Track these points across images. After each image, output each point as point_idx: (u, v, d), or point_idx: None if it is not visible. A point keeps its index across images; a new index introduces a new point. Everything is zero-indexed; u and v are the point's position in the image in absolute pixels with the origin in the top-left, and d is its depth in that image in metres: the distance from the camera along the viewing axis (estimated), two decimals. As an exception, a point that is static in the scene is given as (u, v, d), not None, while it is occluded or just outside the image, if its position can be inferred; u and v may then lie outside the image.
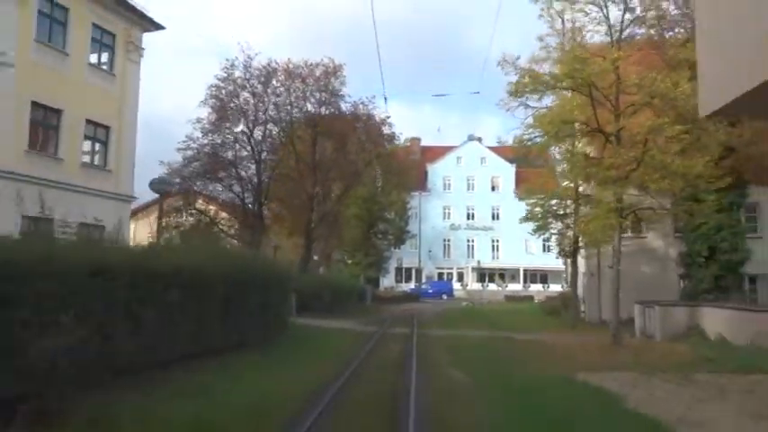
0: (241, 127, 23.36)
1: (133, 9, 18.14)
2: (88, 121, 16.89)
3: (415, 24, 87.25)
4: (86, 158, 17.37)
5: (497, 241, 51.47)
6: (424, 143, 57.89)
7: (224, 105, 23.31)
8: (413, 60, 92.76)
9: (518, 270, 50.23)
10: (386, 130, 27.01)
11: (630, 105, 12.84)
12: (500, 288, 47.58)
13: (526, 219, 19.70)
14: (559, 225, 19.21)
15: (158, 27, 19.58)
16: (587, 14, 13.39)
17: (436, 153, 55.65)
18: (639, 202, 14.78)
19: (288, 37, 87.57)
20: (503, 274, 51.45)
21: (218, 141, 23.45)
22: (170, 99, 76.52)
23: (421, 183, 51.45)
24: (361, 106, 25.84)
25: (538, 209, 19.16)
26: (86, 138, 17.22)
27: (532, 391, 7.71)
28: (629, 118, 13.07)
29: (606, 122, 13.30)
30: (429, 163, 54.14)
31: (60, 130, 16.07)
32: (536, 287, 47.78)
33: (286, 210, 26.28)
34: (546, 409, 6.67)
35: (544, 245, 38.10)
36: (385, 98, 39.85)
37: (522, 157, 18.38)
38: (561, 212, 18.69)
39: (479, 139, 54.88)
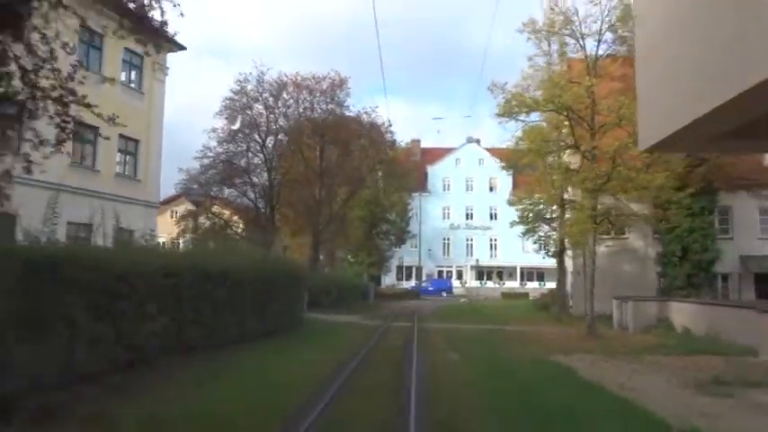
0: (254, 137, 25.42)
1: (162, 35, 20.19)
2: (121, 136, 18.97)
3: (416, 20, 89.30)
4: (119, 169, 19.47)
5: (495, 240, 53.50)
6: (424, 144, 59.94)
7: (238, 116, 25.39)
8: (413, 57, 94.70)
9: (515, 268, 52.30)
10: (388, 137, 29.09)
11: (603, 126, 14.91)
12: (497, 285, 49.68)
13: (516, 222, 21.81)
14: (546, 228, 21.27)
15: (181, 48, 21.62)
16: (566, 45, 15.44)
17: (436, 155, 57.66)
18: (618, 207, 16.89)
19: (289, 36, 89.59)
20: (500, 272, 53.59)
21: (234, 150, 25.51)
22: (171, 101, 78.49)
23: (421, 184, 53.43)
24: (364, 115, 27.95)
25: (527, 213, 21.26)
26: (119, 151, 19.35)
27: (510, 365, 9.82)
28: (603, 137, 15.14)
29: (583, 140, 15.37)
30: (429, 164, 56.15)
31: (97, 145, 18.15)
32: (532, 284, 49.84)
33: (295, 213, 28.37)
34: (516, 375, 8.77)
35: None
36: (385, 94, 41.84)
37: (511, 166, 20.40)
38: (548, 216, 20.76)
39: (478, 141, 56.89)
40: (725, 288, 22.29)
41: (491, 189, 54.75)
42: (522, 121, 16.47)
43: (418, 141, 59.96)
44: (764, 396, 7.40)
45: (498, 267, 53.38)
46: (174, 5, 7.14)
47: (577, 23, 15.07)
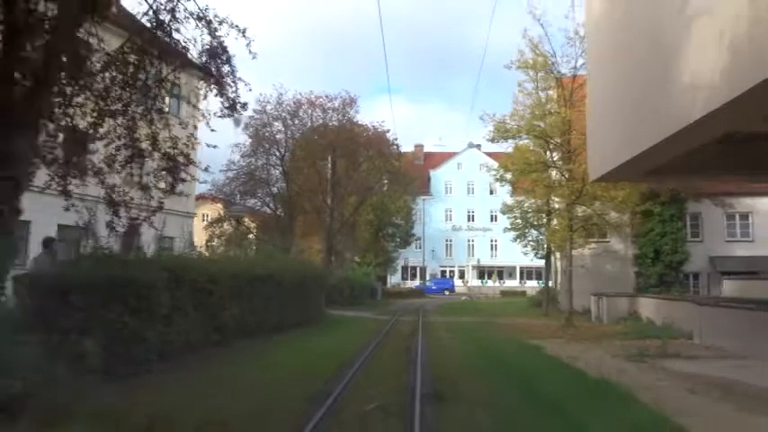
0: (274, 151, 28.61)
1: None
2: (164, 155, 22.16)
3: (419, 18, 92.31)
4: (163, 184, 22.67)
5: (495, 241, 56.46)
6: (426, 149, 63.14)
7: (259, 133, 28.56)
8: (415, 54, 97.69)
9: (515, 268, 55.30)
10: (394, 149, 32.22)
11: (575, 149, 17.97)
12: (497, 284, 52.76)
13: (509, 229, 24.94)
14: (535, 233, 24.34)
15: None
16: (546, 81, 18.52)
17: (438, 159, 60.76)
18: (591, 217, 19.95)
19: (296, 37, 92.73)
20: (501, 272, 56.63)
21: (255, 164, 28.70)
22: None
23: (424, 187, 56.55)
24: (372, 129, 31.12)
25: (518, 221, 24.35)
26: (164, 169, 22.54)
27: (492, 344, 12.91)
28: (577, 158, 18.18)
29: (561, 161, 18.43)
30: (432, 169, 59.24)
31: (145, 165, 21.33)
32: (531, 283, 52.82)
33: (309, 219, 31.54)
34: (495, 350, 11.86)
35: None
36: (389, 94, 45.08)
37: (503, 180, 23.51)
38: (536, 223, 23.84)
39: (478, 146, 59.82)
40: (696, 286, 25.31)
41: (491, 192, 57.55)
42: (513, 139, 19.58)
43: (421, 146, 63.31)
44: (667, 363, 10.45)
45: (498, 267, 56.42)
46: (248, 87, 10.18)
47: (554, 63, 18.14)
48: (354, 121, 30.47)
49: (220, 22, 9.06)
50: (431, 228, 56.71)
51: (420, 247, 55.58)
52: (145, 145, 9.41)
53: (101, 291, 7.24)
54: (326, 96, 29.55)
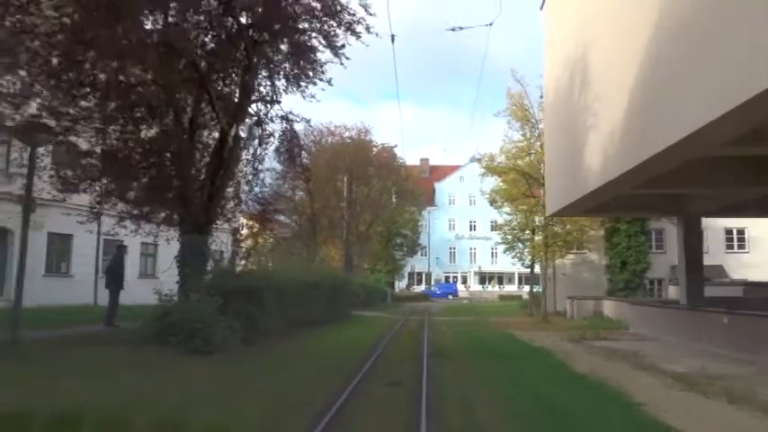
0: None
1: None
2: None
3: (422, 22, 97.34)
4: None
5: (496, 249, 61.44)
6: (432, 161, 68.43)
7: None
8: (422, 59, 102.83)
9: (513, 274, 60.30)
10: (403, 172, 37.50)
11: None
12: (495, 289, 57.87)
13: (499, 243, 30.11)
14: (521, 246, 29.47)
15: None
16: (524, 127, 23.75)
17: (442, 172, 66.00)
18: (559, 234, 25.10)
19: None
20: (501, 277, 61.66)
21: (284, 185, 33.93)
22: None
23: (429, 199, 61.74)
24: (380, 147, 36.43)
25: (507, 236, 29.51)
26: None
27: (479, 333, 18.04)
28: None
29: (537, 192, 23.58)
30: (436, 181, 64.45)
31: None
32: (528, 288, 57.77)
33: (328, 232, 36.79)
34: (480, 337, 16.99)
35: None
36: (398, 100, 50.48)
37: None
38: (522, 239, 28.96)
39: (479, 160, 64.98)
40: (659, 290, 30.35)
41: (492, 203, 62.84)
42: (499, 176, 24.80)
43: (427, 160, 68.63)
44: (594, 342, 15.52)
45: (498, 273, 61.44)
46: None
47: (531, 114, 23.34)
48: (367, 140, 35.79)
49: (295, 118, 14.43)
50: (435, 236, 61.86)
51: (426, 255, 60.74)
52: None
53: (238, 294, 12.43)
54: (344, 126, 34.85)
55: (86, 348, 9.66)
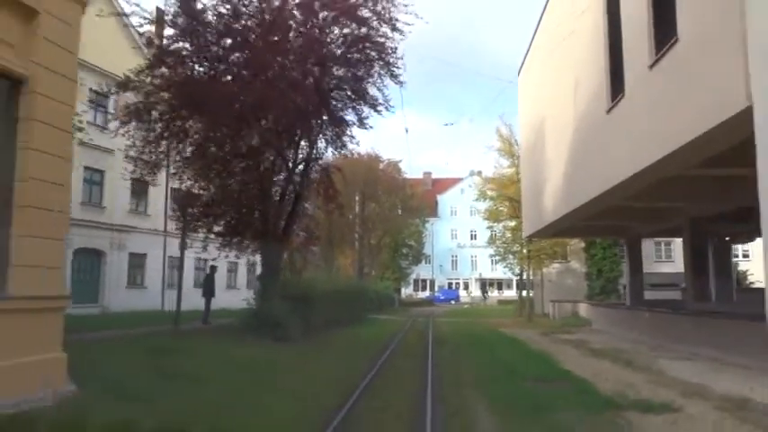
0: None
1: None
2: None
3: (426, 28, 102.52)
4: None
5: (496, 257, 66.78)
6: (434, 176, 73.84)
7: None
8: (426, 64, 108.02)
9: (512, 280, 65.37)
10: (408, 191, 42.85)
11: (531, 206, 28.37)
12: (491, 295, 63.15)
13: (492, 255, 35.36)
14: (512, 257, 34.70)
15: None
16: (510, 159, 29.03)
17: (445, 185, 71.33)
18: (544, 248, 30.34)
19: None
20: (500, 283, 66.81)
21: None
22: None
23: (432, 210, 67.03)
24: (390, 168, 41.79)
25: (499, 249, 34.76)
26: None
27: (473, 330, 23.30)
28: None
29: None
30: (439, 194, 69.77)
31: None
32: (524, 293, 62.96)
33: (342, 245, 42.11)
34: (473, 332, 22.25)
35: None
36: (402, 107, 56.06)
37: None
38: (513, 250, 34.20)
39: (479, 173, 70.35)
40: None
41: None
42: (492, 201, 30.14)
43: (430, 173, 74.04)
44: (559, 335, 20.70)
45: (498, 279, 66.59)
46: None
47: (517, 149, 28.61)
48: (375, 157, 41.15)
49: (333, 170, 19.74)
50: (439, 246, 67.12)
51: (429, 263, 65.98)
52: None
53: (297, 299, 17.67)
54: (358, 154, 40.17)
55: (212, 336, 14.93)
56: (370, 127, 18.66)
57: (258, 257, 19.26)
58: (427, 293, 64.66)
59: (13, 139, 6.52)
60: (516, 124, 29.02)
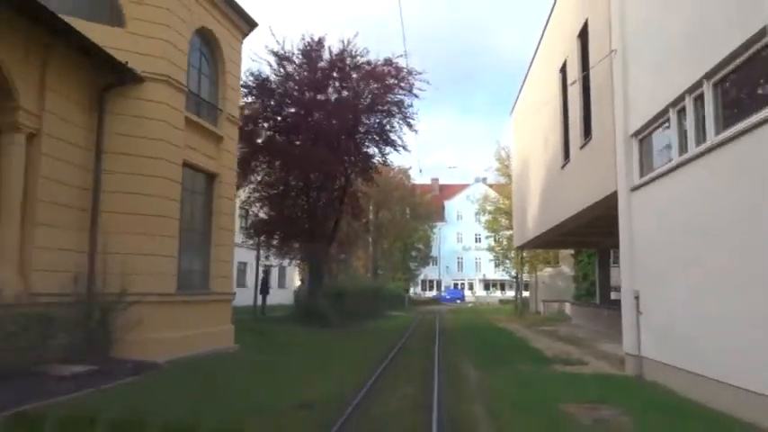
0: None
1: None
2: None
3: (435, 27, 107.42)
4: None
5: (499, 259, 72.30)
6: (442, 181, 79.36)
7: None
8: (433, 64, 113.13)
9: (513, 281, 70.96)
10: (418, 196, 48.42)
11: (523, 219, 33.89)
12: (497, 294, 68.62)
13: (491, 260, 40.87)
14: (507, 262, 40.22)
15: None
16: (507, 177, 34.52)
17: (451, 191, 76.81)
18: (538, 254, 35.81)
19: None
20: (503, 284, 72.25)
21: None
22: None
23: (440, 215, 72.52)
24: (400, 174, 47.38)
25: (498, 255, 40.27)
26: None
27: (473, 323, 28.89)
28: (525, 223, 34.10)
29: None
30: (446, 200, 75.26)
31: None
32: (526, 293, 68.46)
33: (360, 249, 47.73)
34: (473, 325, 27.83)
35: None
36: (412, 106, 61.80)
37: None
38: (510, 256, 39.68)
39: (484, 180, 75.79)
40: (615, 295, 40.91)
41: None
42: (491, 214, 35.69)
43: (437, 179, 79.55)
44: (540, 327, 26.21)
45: (501, 280, 72.04)
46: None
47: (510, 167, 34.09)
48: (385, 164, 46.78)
49: (361, 193, 25.41)
50: (445, 248, 72.60)
51: (437, 265, 71.49)
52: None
53: (336, 295, 23.25)
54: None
55: (279, 324, 20.52)
56: (391, 162, 24.31)
57: (296, 263, 24.95)
58: (434, 293, 70.19)
59: (210, 208, 12.15)
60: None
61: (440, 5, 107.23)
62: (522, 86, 25.65)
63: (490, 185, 71.51)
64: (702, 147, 8.50)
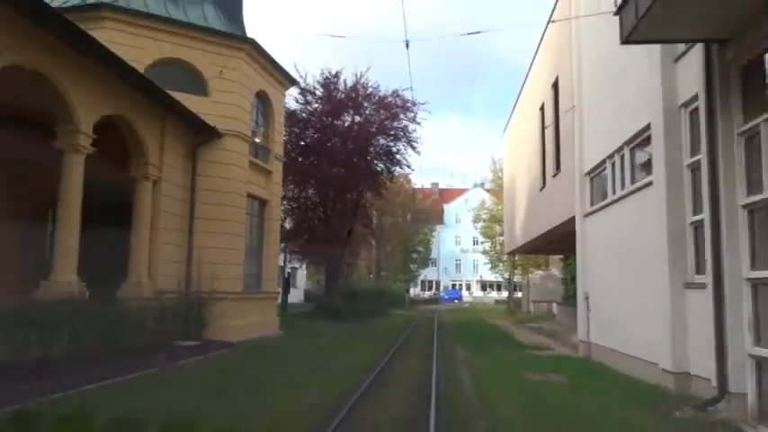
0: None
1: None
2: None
3: (438, 29, 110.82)
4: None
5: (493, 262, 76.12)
6: (441, 186, 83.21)
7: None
8: (436, 66, 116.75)
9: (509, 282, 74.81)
10: (418, 200, 52.26)
11: (515, 227, 37.75)
12: (492, 294, 72.49)
13: (485, 263, 44.72)
14: (501, 265, 44.04)
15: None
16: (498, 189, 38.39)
17: (450, 195, 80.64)
18: (528, 258, 39.63)
19: (316, 46, 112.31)
20: (499, 285, 76.08)
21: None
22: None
23: (439, 218, 76.32)
24: (401, 178, 51.21)
25: (492, 258, 44.09)
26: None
27: (468, 320, 32.73)
28: (516, 230, 37.94)
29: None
30: (445, 203, 79.09)
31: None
32: (519, 294, 72.33)
33: (363, 251, 51.54)
34: (468, 322, 31.66)
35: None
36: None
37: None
38: (503, 260, 43.50)
39: (482, 185, 79.60)
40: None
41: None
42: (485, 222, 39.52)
43: (437, 184, 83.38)
44: (527, 324, 30.02)
45: (497, 281, 75.88)
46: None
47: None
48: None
49: (370, 205, 29.30)
50: (444, 250, 76.44)
51: (436, 266, 75.34)
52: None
53: (349, 294, 27.05)
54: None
55: (303, 318, 24.30)
56: (396, 176, 28.23)
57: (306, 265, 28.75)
58: (433, 293, 74.01)
59: (263, 227, 15.93)
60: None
61: (442, 6, 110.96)
62: (512, 111, 29.42)
63: (487, 190, 75.68)
64: (624, 191, 12.31)
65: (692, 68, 8.93)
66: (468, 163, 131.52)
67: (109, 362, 9.27)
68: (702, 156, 8.33)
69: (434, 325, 27.05)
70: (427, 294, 73.43)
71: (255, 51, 14.45)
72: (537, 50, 22.15)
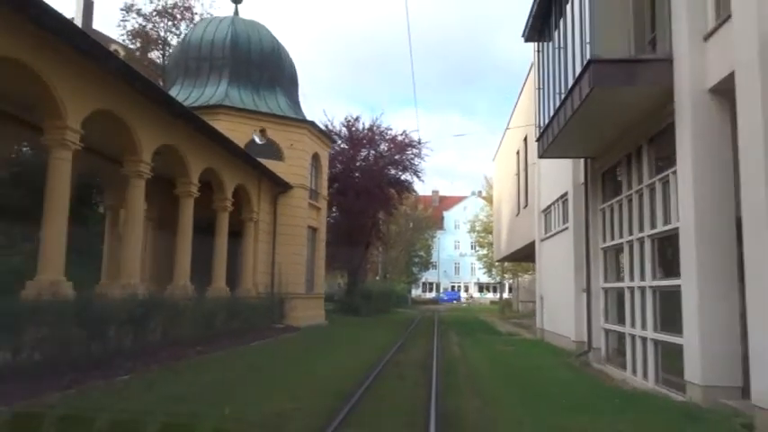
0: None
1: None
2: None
3: (441, 29, 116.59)
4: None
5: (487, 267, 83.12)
6: (441, 193, 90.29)
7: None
8: (438, 67, 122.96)
9: (504, 284, 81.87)
10: (421, 209, 59.34)
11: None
12: (488, 296, 79.58)
13: (481, 268, 51.73)
14: (493, 270, 51.07)
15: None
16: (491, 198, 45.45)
17: (450, 202, 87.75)
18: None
19: (317, 48, 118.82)
20: (495, 287, 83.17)
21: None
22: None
23: (439, 224, 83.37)
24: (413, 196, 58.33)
25: (486, 262, 51.12)
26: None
27: (464, 318, 39.83)
28: (506, 240, 45.05)
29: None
30: (445, 210, 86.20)
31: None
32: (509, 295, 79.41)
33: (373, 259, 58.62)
34: (463, 319, 38.75)
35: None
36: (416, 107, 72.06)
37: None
38: (495, 264, 50.52)
39: (480, 193, 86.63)
40: (582, 297, 51.94)
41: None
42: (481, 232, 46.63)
43: (437, 191, 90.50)
44: (512, 320, 37.07)
45: (493, 283, 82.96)
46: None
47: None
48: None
49: (382, 223, 36.48)
50: (444, 254, 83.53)
51: (436, 269, 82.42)
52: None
53: (366, 294, 34.09)
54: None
55: (328, 313, 31.32)
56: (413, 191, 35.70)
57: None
58: (433, 294, 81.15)
59: (314, 247, 22.97)
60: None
61: (446, 6, 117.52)
62: (501, 140, 36.46)
63: (484, 198, 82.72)
64: (558, 228, 19.35)
65: (580, 169, 16.02)
66: (468, 163, 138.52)
67: (235, 336, 16.30)
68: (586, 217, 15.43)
69: (435, 320, 34.12)
70: (428, 296, 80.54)
71: (313, 128, 21.51)
72: (516, 103, 29.21)
